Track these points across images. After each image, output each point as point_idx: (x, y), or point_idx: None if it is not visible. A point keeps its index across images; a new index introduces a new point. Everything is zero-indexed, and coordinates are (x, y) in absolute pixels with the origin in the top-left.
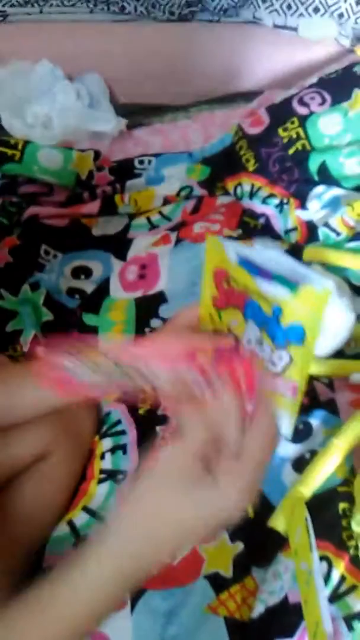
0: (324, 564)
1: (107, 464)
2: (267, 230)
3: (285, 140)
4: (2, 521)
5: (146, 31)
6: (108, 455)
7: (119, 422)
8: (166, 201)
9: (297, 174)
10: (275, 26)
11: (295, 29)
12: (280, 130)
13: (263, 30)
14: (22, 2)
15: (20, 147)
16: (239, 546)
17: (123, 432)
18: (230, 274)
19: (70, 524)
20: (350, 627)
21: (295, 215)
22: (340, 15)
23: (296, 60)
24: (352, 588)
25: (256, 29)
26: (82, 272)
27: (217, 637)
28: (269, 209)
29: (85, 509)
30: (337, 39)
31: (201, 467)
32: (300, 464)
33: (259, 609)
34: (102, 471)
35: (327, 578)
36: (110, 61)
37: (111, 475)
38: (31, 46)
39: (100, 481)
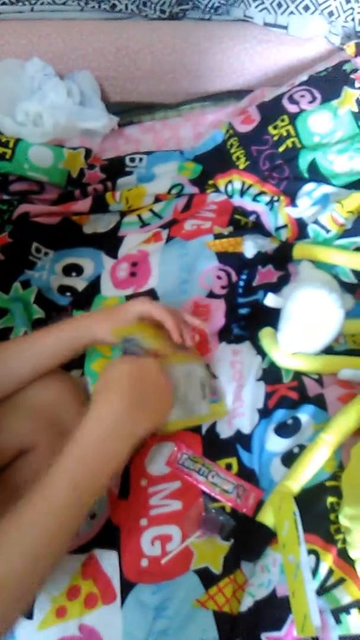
0: (312, 557)
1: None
2: (257, 228)
3: (275, 138)
4: None
5: (137, 29)
6: None
7: None
8: (157, 199)
9: (288, 172)
10: (266, 24)
11: (285, 27)
12: (270, 128)
13: (253, 29)
14: (14, 0)
15: (11, 145)
16: (230, 544)
17: None
18: None
19: None
20: (337, 620)
21: (286, 213)
22: (331, 14)
23: (286, 58)
24: (340, 581)
25: (247, 27)
26: (73, 269)
27: (206, 630)
28: (259, 207)
29: None
30: (327, 37)
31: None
32: (289, 459)
33: (247, 603)
34: None
35: (315, 571)
36: (102, 59)
37: None
38: (22, 44)
39: None
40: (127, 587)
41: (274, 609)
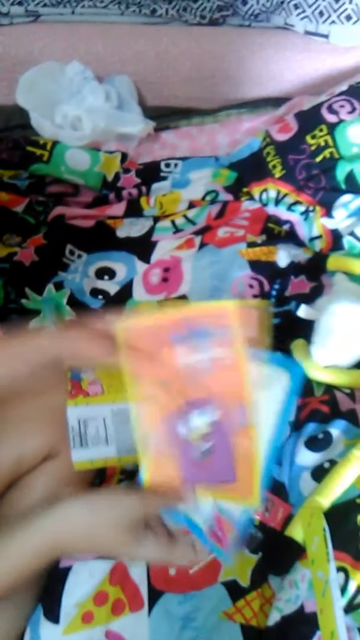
0: (341, 575)
1: (129, 465)
2: (291, 237)
3: (313, 148)
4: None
5: (177, 34)
6: None
7: None
8: (191, 205)
9: (324, 182)
10: (307, 33)
11: (326, 36)
12: (308, 138)
13: (294, 37)
14: (55, 3)
15: (48, 147)
16: (258, 557)
17: None
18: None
19: None
20: None
21: (321, 223)
22: None
23: (326, 67)
24: None
25: (287, 35)
26: (106, 273)
27: None
28: (294, 216)
29: None
30: None
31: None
32: (319, 474)
33: (274, 617)
34: (122, 472)
35: (343, 589)
36: (140, 63)
37: (130, 476)
38: (62, 47)
39: (120, 481)
40: (154, 595)
41: (302, 625)
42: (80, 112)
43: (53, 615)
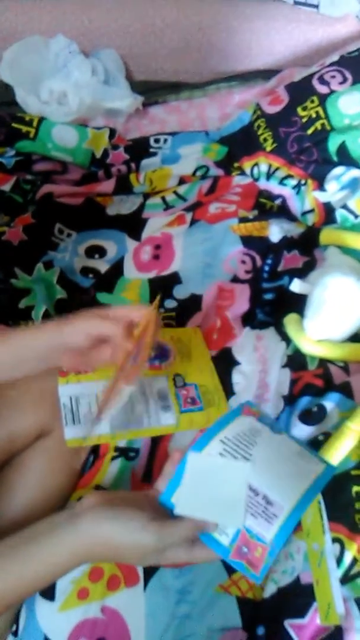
0: (337, 546)
1: (122, 441)
2: (283, 212)
3: (304, 120)
4: (6, 499)
5: (164, 6)
6: None
7: None
8: (182, 181)
9: (316, 155)
10: (296, 3)
11: (316, 6)
12: (299, 110)
13: (284, 7)
14: None
15: (34, 124)
16: None
17: None
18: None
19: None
20: None
21: (313, 197)
22: None
23: (317, 38)
24: None
25: (276, 5)
26: (96, 251)
27: (229, 616)
28: (286, 190)
29: (97, 487)
30: (358, 16)
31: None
32: (314, 446)
33: (271, 589)
34: (116, 449)
35: (339, 560)
36: (127, 37)
37: (123, 452)
38: (46, 21)
39: (113, 458)
40: (150, 570)
41: (298, 597)
42: (66, 87)
43: (48, 592)
